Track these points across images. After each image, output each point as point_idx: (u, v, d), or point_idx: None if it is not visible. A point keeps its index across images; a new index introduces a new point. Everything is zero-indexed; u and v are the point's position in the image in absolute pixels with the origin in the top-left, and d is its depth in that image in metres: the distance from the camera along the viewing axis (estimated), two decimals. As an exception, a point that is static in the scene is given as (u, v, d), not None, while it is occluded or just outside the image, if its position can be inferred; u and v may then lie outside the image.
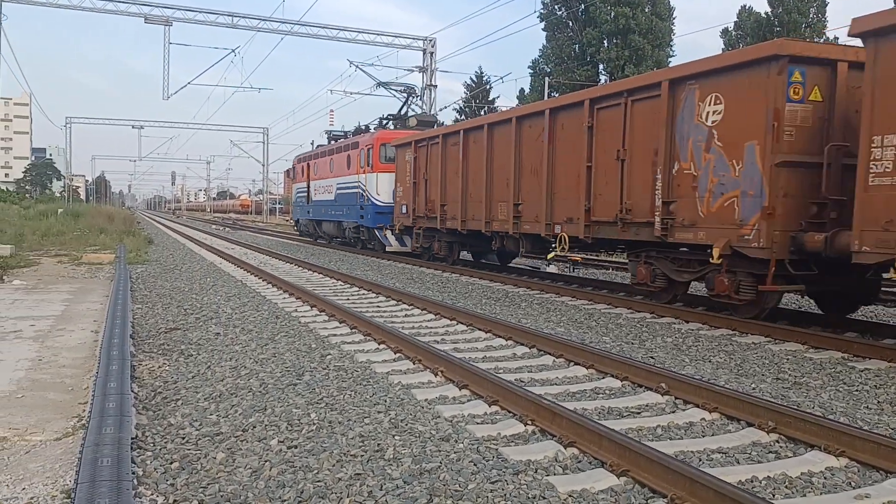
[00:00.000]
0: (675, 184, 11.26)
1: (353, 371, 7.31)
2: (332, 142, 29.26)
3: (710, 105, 10.49)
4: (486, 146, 16.94)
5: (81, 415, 6.07)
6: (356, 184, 25.35)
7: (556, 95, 47.47)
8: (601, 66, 49.29)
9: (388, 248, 23.57)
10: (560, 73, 48.46)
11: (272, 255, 24.06)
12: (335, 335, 9.41)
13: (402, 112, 27.75)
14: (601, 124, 12.92)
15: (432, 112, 33.51)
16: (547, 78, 45.35)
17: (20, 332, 10.05)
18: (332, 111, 69.44)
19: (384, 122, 26.90)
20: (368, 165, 24.35)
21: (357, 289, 14.70)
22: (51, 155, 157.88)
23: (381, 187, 23.76)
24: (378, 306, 12.30)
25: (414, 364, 7.71)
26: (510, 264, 20.35)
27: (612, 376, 7.20)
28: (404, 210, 21.62)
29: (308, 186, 32.03)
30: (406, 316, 11.26)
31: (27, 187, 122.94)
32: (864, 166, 8.38)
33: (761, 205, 9.66)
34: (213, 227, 58.15)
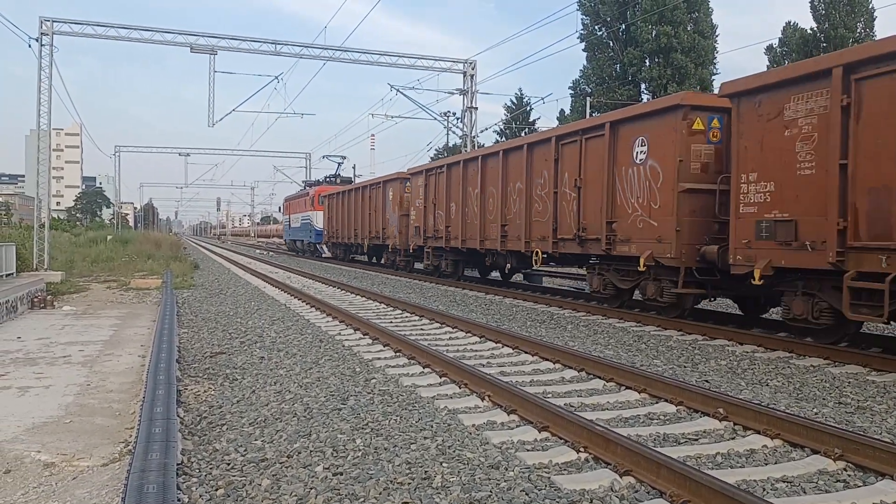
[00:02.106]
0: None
1: (398, 395, 7.22)
2: (302, 189, 47.97)
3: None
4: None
5: (128, 440, 6.05)
6: (308, 217, 43.33)
7: (597, 115, 47.39)
8: (643, 86, 48.99)
9: (323, 255, 40.84)
10: (601, 93, 48.18)
11: (315, 278, 24.20)
12: (379, 359, 9.34)
13: (336, 174, 46.86)
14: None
15: (473, 134, 33.59)
16: (588, 98, 45.15)
17: (69, 357, 10.17)
18: (372, 136, 70.25)
19: (324, 180, 46.41)
20: (312, 207, 41.94)
21: (400, 311, 14.64)
22: (100, 183, 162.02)
23: (318, 220, 40.87)
24: (422, 329, 12.22)
25: (460, 388, 7.59)
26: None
27: (666, 401, 6.98)
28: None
29: (289, 218, 51.60)
30: (450, 339, 11.15)
31: (78, 215, 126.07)
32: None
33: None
34: (257, 251, 58.90)
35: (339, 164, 48.10)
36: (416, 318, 13.63)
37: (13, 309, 14.72)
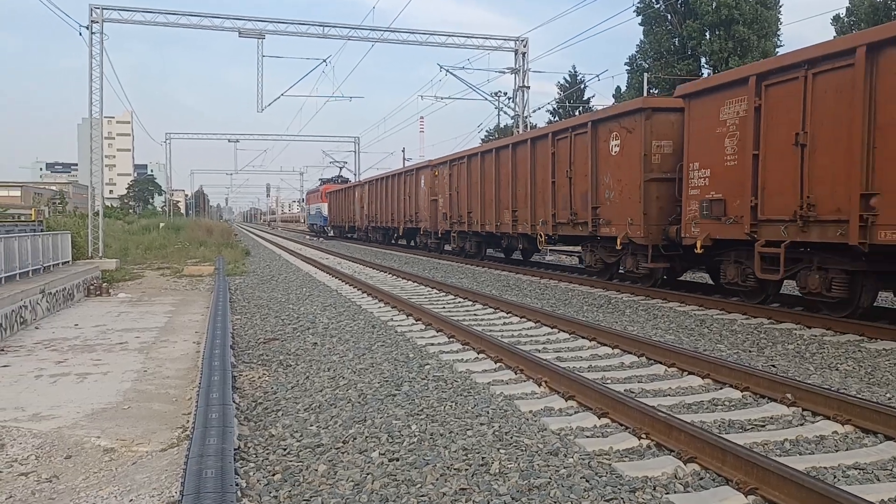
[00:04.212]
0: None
1: (453, 381, 7.26)
2: (319, 185, 65.92)
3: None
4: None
5: (185, 425, 6.22)
6: (319, 208, 60.39)
7: (656, 92, 46.48)
8: (703, 60, 47.92)
9: (329, 236, 55.63)
10: (659, 68, 47.27)
11: (365, 264, 24.44)
12: (433, 344, 9.41)
13: (339, 174, 66.53)
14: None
15: (524, 114, 33.35)
16: (645, 74, 44.35)
17: (126, 343, 10.47)
18: (422, 118, 70.27)
19: (332, 179, 63.77)
20: (322, 200, 58.58)
21: (453, 297, 14.72)
22: (152, 171, 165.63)
23: (325, 210, 56.83)
24: (475, 314, 12.24)
25: (516, 374, 7.60)
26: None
27: (731, 387, 6.88)
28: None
29: (309, 207, 72.67)
30: (505, 324, 11.16)
31: (130, 203, 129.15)
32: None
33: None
34: (307, 237, 59.65)
35: (341, 168, 69.24)
36: (469, 302, 13.67)
37: (70, 296, 15.20)
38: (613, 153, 15.82)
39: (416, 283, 17.64)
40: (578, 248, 22.80)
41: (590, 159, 16.51)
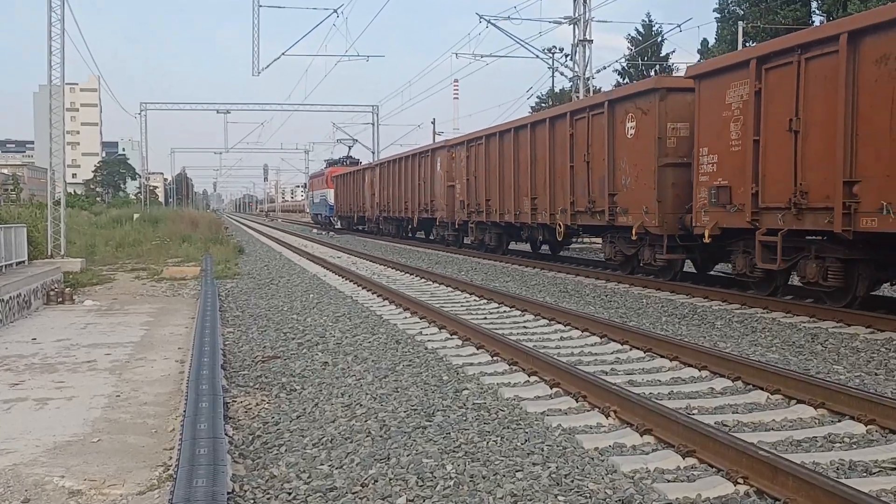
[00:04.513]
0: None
1: (497, 410, 7.26)
2: (325, 167, 67.32)
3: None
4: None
5: (168, 463, 6.29)
6: (324, 194, 62.44)
7: (752, 45, 46.01)
8: (814, 5, 47.29)
9: (335, 228, 57.95)
10: (757, 15, 46.75)
11: (387, 263, 24.58)
12: (472, 364, 9.42)
13: (348, 154, 66.81)
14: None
15: (586, 75, 33.23)
16: (740, 23, 43.87)
17: (94, 362, 10.63)
18: (456, 81, 70.20)
19: (339, 161, 64.48)
20: (327, 185, 60.69)
21: (497, 304, 14.72)
22: (123, 150, 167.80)
23: (331, 197, 59.52)
24: (525, 327, 12.26)
25: (577, 402, 7.58)
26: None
27: (852, 419, 6.80)
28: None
29: (312, 194, 74.63)
30: (562, 339, 11.16)
31: (98, 189, 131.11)
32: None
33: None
34: (314, 230, 60.08)
35: (350, 146, 69.68)
36: (518, 312, 13.70)
37: (26, 304, 15.47)
38: (629, 136, 17.59)
39: (448, 287, 17.78)
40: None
41: (606, 142, 18.32)
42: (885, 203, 11.21)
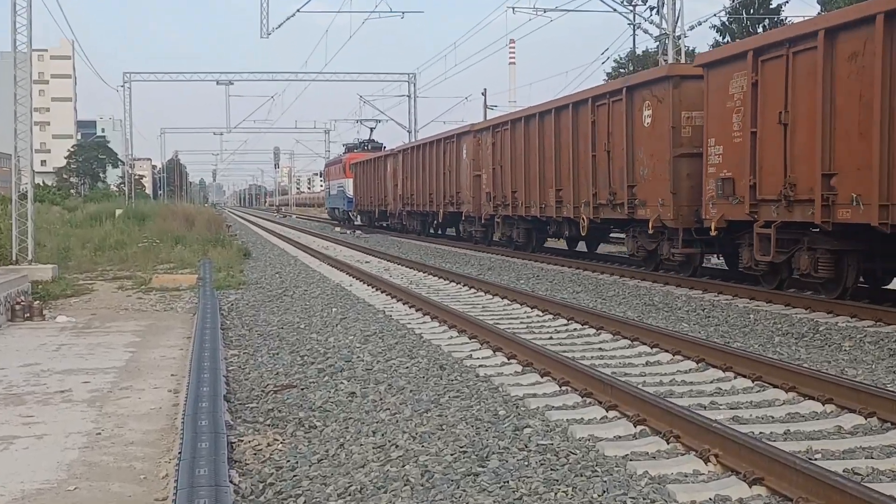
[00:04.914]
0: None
1: (567, 454, 7.22)
2: (343, 153, 71.36)
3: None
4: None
5: (160, 518, 6.32)
6: (342, 185, 65.78)
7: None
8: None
9: (356, 224, 61.17)
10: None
11: (427, 269, 24.71)
12: (535, 395, 9.41)
13: (369, 139, 70.41)
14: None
15: (676, 32, 33.07)
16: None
17: (69, 392, 10.70)
18: (512, 42, 69.86)
19: (360, 146, 68.61)
20: (346, 174, 63.75)
21: (565, 320, 14.72)
22: (103, 130, 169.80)
23: (349, 188, 62.51)
24: (601, 349, 12.26)
25: (668, 443, 7.54)
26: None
27: None
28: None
29: (329, 185, 78.08)
30: (648, 364, 11.14)
31: (72, 179, 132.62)
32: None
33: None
34: (337, 228, 60.40)
35: (372, 129, 73.94)
36: (592, 330, 13.67)
37: (-14, 321, 15.61)
38: (646, 125, 20.50)
39: (505, 300, 17.82)
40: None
41: (625, 131, 21.36)
42: (855, 195, 14.22)
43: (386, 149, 60.58)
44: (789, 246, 15.93)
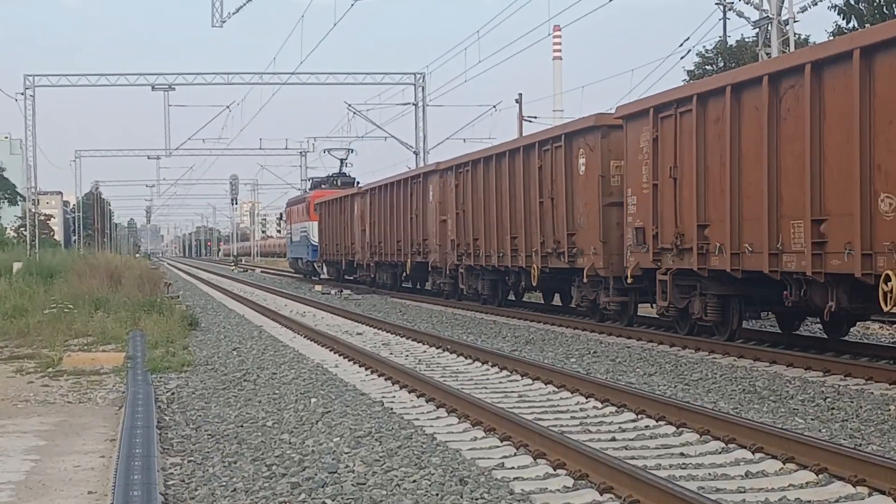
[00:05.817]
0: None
1: None
2: (308, 191, 75.55)
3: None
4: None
5: None
6: (305, 229, 73.04)
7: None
8: None
9: (320, 278, 68.47)
10: None
11: (439, 342, 23.02)
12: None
13: (339, 172, 77.27)
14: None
15: (779, 16, 33.29)
16: None
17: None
18: (557, 28, 69.53)
19: (327, 180, 76.74)
20: (310, 216, 70.32)
21: (630, 414, 13.48)
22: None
23: (314, 232, 69.17)
24: (683, 455, 10.83)
25: None
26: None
27: None
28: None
29: (290, 230, 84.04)
30: (747, 476, 9.83)
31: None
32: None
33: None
34: (318, 287, 58.90)
35: (343, 160, 76.61)
36: (671, 429, 12.39)
37: None
38: (581, 173, 26.22)
39: (537, 381, 17.18)
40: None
41: (565, 178, 26.90)
42: (719, 244, 20.31)
43: (358, 186, 59.03)
44: (688, 292, 21.46)
